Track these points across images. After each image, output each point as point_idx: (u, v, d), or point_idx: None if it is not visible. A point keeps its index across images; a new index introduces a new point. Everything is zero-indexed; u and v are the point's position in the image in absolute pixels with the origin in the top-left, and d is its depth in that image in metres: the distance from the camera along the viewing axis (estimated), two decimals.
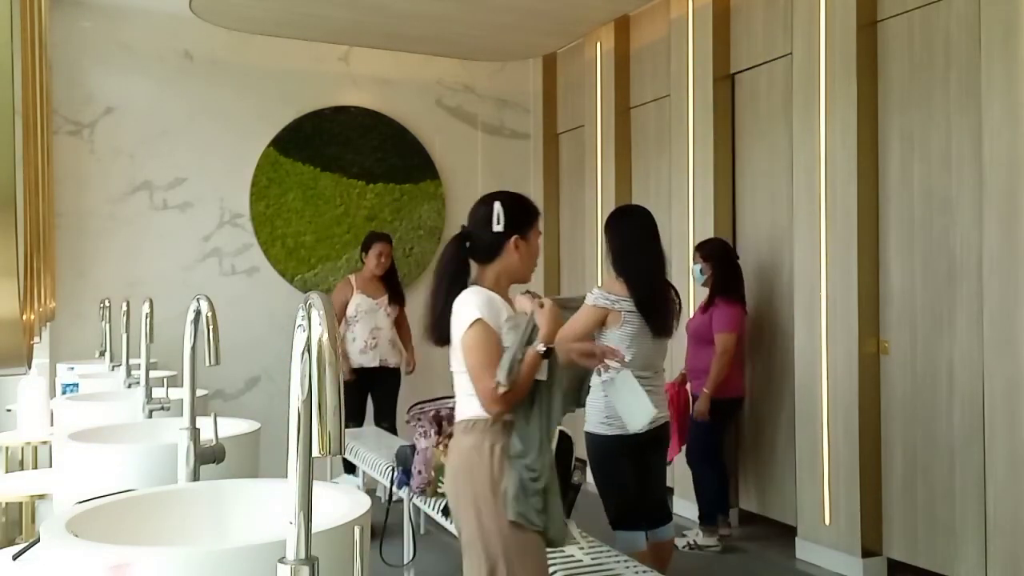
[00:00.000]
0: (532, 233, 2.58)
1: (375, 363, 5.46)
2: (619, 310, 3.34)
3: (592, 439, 3.46)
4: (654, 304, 3.39)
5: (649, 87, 5.72)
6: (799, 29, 4.48)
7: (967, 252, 3.76)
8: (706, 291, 4.70)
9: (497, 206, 2.53)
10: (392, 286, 5.65)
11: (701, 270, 4.66)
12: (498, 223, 2.51)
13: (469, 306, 2.42)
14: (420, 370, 5.88)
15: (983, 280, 3.63)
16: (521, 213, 2.57)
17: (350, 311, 5.46)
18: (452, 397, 3.88)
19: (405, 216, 6.42)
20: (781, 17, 4.69)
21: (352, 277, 5.63)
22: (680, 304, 3.63)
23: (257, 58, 6.00)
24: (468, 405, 2.46)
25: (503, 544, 2.36)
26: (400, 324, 5.67)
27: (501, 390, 2.33)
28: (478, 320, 2.39)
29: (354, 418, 5.46)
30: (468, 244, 2.55)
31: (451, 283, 2.52)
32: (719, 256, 4.66)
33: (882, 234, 4.16)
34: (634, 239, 3.46)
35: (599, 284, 3.88)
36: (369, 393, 5.55)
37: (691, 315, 4.78)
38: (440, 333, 2.53)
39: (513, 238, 2.52)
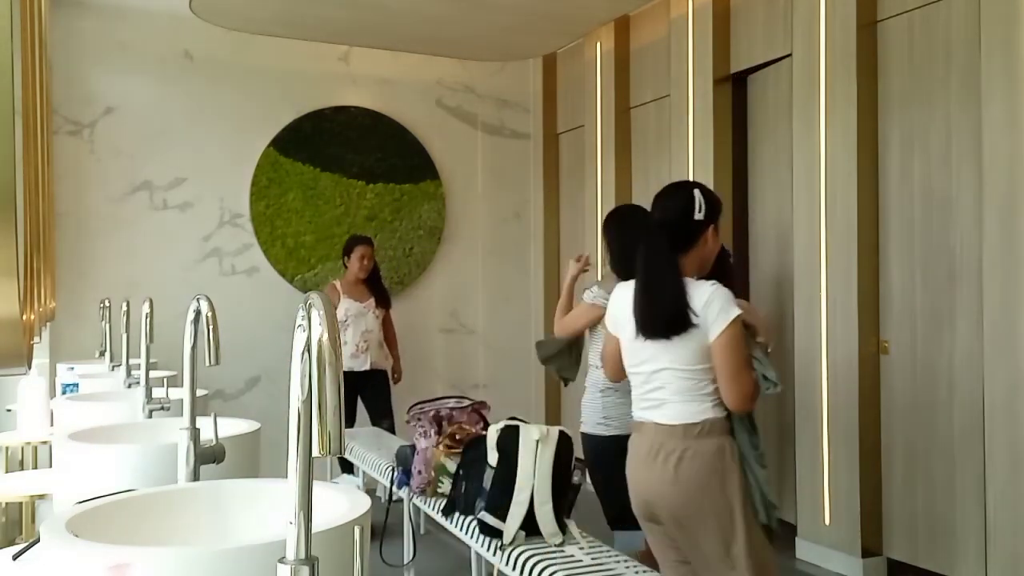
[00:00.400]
0: (720, 222, 2.54)
1: (366, 367, 5.42)
2: None
3: (590, 440, 3.46)
4: None
5: (649, 87, 5.72)
6: (799, 29, 4.48)
7: (967, 252, 3.75)
8: None
9: (698, 194, 2.46)
10: (377, 289, 5.61)
11: None
12: (699, 211, 2.45)
13: (728, 302, 2.33)
14: (419, 370, 5.88)
15: (983, 280, 3.63)
16: (715, 202, 2.52)
17: (339, 316, 5.37)
18: (452, 397, 3.91)
19: (405, 216, 6.42)
20: (781, 17, 4.68)
21: (337, 282, 5.58)
22: None
23: (257, 58, 6.00)
24: (696, 406, 2.36)
25: (749, 545, 2.33)
26: (386, 327, 5.64)
27: (775, 390, 2.30)
28: (739, 317, 2.33)
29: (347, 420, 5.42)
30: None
31: (674, 273, 2.39)
32: None
33: (882, 234, 4.16)
34: (633, 239, 3.45)
35: (599, 280, 3.87)
36: (360, 396, 5.47)
37: None
38: (673, 325, 2.35)
39: (710, 227, 2.48)
